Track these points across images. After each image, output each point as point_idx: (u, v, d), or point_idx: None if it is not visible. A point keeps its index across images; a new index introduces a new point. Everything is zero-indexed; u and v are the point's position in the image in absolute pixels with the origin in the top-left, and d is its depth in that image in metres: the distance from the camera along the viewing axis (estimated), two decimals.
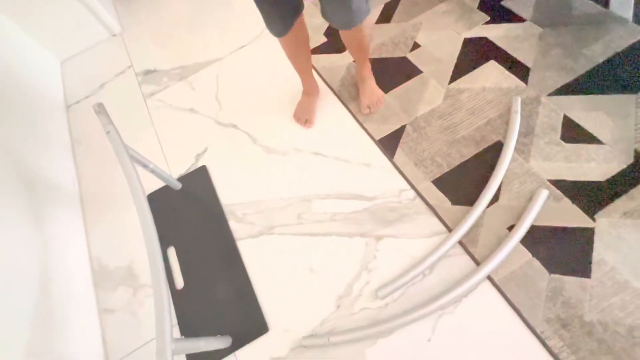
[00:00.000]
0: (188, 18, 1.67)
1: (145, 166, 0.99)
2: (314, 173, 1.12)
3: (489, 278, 0.87)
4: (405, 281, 0.89)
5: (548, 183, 0.95)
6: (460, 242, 0.92)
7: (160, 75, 1.50)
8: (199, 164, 1.22)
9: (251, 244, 1.04)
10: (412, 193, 1.02)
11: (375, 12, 1.41)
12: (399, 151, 1.09)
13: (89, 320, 0.99)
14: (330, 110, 1.22)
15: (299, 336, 0.88)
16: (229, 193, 1.14)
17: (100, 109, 0.90)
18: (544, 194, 0.91)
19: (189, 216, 1.13)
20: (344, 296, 0.91)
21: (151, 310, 0.99)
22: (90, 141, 1.39)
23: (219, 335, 0.87)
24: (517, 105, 1.06)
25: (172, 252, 1.07)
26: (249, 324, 0.92)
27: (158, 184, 1.16)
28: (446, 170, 1.03)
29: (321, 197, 1.07)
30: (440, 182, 1.02)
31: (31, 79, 1.42)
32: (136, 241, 1.11)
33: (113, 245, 1.13)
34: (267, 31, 1.51)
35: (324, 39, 1.41)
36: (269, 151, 1.19)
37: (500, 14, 1.29)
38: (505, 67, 1.17)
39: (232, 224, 1.08)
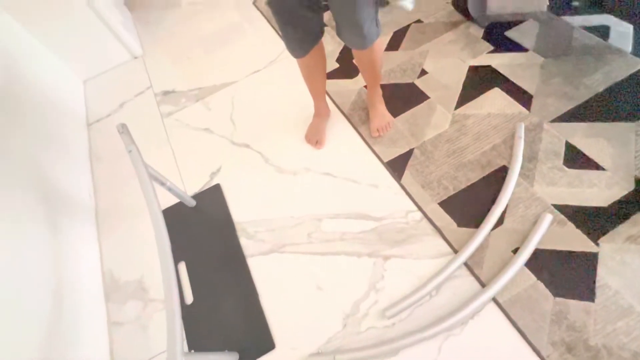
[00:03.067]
0: (206, 42, 1.76)
1: (162, 184, 1.04)
2: (323, 193, 1.16)
3: (494, 300, 0.89)
4: (413, 301, 0.91)
5: (552, 207, 0.98)
6: (466, 264, 0.94)
7: (178, 96, 1.58)
8: (213, 182, 1.27)
9: (261, 261, 1.07)
10: (418, 214, 1.05)
11: (385, 39, 1.48)
12: (406, 173, 1.13)
13: (98, 331, 1.02)
14: (341, 132, 1.27)
15: (305, 354, 0.90)
16: (242, 211, 1.18)
17: (123, 130, 0.96)
18: (548, 218, 0.94)
19: (201, 232, 1.17)
20: (351, 315, 0.93)
21: (160, 325, 1.02)
22: (109, 158, 1.46)
23: (226, 351, 0.90)
24: (521, 131, 1.10)
25: (182, 267, 1.10)
26: (256, 340, 0.94)
27: (172, 200, 1.21)
28: (452, 192, 1.07)
29: (330, 217, 1.10)
30: (447, 205, 1.05)
31: (56, 97, 1.50)
32: (148, 256, 1.15)
33: (125, 259, 1.17)
34: (281, 56, 1.61)
35: (336, 65, 1.48)
36: (281, 171, 1.24)
37: (504, 44, 1.35)
38: (508, 94, 1.22)
39: (244, 241, 1.12)
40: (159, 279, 1.12)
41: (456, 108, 1.23)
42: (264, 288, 1.02)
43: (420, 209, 1.06)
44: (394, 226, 1.05)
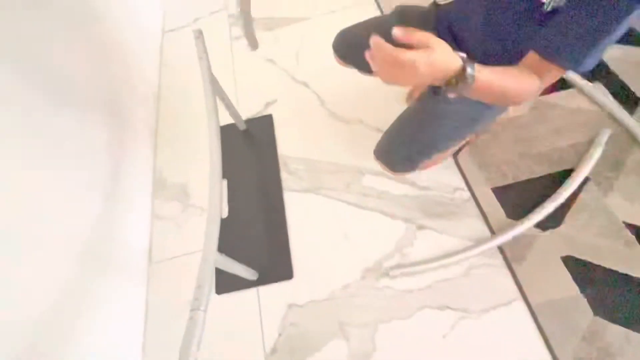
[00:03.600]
0: None
1: (222, 99, 1.06)
2: (372, 149, 1.12)
3: (525, 298, 0.83)
4: (426, 268, 0.89)
5: (622, 225, 0.87)
6: (505, 256, 0.89)
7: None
8: (267, 112, 1.27)
9: (296, 197, 1.08)
10: (467, 194, 0.99)
11: None
12: (464, 149, 1.05)
13: (142, 219, 1.11)
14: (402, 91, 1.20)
15: (319, 291, 0.92)
16: (287, 145, 1.19)
17: (199, 35, 0.97)
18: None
19: (246, 156, 1.20)
20: (371, 270, 0.93)
21: (194, 227, 1.09)
22: (177, 67, 1.50)
23: (245, 265, 0.94)
24: (603, 138, 0.96)
25: (224, 183, 1.15)
26: (277, 266, 0.98)
27: (226, 120, 1.23)
28: (510, 181, 0.98)
29: (373, 173, 1.07)
30: (501, 192, 0.97)
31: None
32: (196, 165, 1.20)
33: (175, 163, 1.23)
34: (358, 2, 1.51)
35: None
36: (334, 116, 1.21)
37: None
38: (611, 92, 1.06)
39: (283, 175, 1.13)
40: (202, 189, 1.19)
41: (543, 94, 1.10)
42: (293, 221, 1.04)
43: (470, 189, 0.99)
44: (438, 199, 1.00)
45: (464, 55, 0.48)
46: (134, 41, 1.38)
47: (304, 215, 1.05)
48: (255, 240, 1.03)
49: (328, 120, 1.20)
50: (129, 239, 1.02)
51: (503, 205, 0.95)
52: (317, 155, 1.14)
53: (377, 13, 1.45)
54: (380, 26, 0.79)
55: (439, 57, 0.46)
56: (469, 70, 0.47)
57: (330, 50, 1.46)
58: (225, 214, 1.09)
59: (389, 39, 0.47)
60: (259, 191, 1.12)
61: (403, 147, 0.82)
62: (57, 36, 0.92)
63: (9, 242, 0.65)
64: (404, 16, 0.85)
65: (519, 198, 0.95)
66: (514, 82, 0.54)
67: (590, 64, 0.52)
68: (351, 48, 0.90)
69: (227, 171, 1.16)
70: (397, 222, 0.99)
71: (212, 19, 1.62)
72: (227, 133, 1.23)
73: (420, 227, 0.97)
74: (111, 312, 0.89)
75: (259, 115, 1.27)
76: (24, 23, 0.80)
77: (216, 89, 0.99)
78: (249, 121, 1.25)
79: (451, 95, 0.50)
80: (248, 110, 1.29)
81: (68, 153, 0.86)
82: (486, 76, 0.50)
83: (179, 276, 1.03)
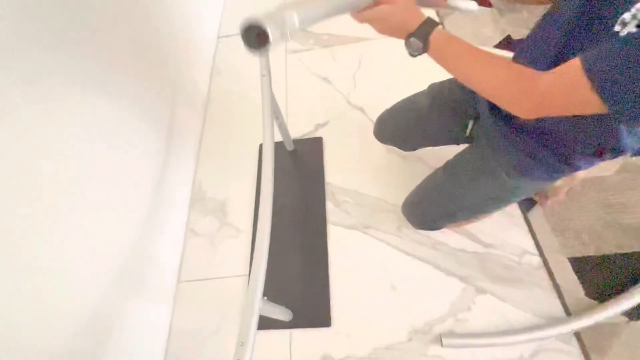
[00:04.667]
0: None
1: (276, 118, 1.00)
2: None
3: None
4: (489, 343, 0.77)
5: None
6: (583, 344, 0.76)
7: (307, 35, 1.51)
8: (317, 134, 1.20)
9: (341, 232, 1.00)
10: (537, 260, 0.87)
11: None
12: (538, 207, 0.94)
13: (177, 230, 1.06)
14: None
15: (360, 347, 0.83)
16: (336, 173, 1.11)
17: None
18: None
19: (292, 179, 1.13)
20: (420, 332, 0.83)
21: (228, 250, 1.03)
22: (228, 74, 1.47)
23: (284, 307, 0.86)
24: None
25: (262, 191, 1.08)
26: (314, 309, 0.89)
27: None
28: (592, 253, 0.85)
29: None
30: (579, 264, 0.85)
31: (197, 3, 1.52)
32: (237, 182, 1.15)
33: (216, 176, 1.18)
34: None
35: None
36: (390, 149, 1.12)
37: None
38: None
39: (329, 206, 1.05)
40: (240, 208, 1.12)
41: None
42: (336, 260, 0.96)
43: (542, 254, 0.87)
44: (502, 260, 0.89)
45: (420, 22, 0.53)
46: (191, 45, 1.36)
47: (348, 255, 0.96)
48: (293, 275, 0.95)
49: (383, 153, 1.12)
50: (162, 254, 0.97)
51: (582, 280, 0.83)
52: (368, 189, 1.06)
53: None
54: (413, 111, 0.86)
55: (395, 15, 0.56)
56: (412, 40, 0.54)
57: (390, 77, 1.38)
58: None
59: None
60: (302, 220, 1.04)
61: (430, 210, 0.82)
62: (116, 36, 0.89)
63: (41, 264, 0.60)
64: (437, 97, 0.83)
65: (602, 275, 0.83)
66: (477, 62, 0.51)
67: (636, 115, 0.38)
68: (390, 136, 0.95)
69: None
70: (452, 280, 0.88)
71: None
72: (274, 152, 1.17)
73: (480, 291, 0.86)
74: (134, 333, 0.83)
75: (308, 136, 1.21)
76: (82, 24, 0.77)
77: (274, 108, 0.93)
78: (298, 142, 1.19)
79: (411, 52, 0.55)
80: (297, 129, 1.23)
81: (116, 159, 0.82)
82: (440, 45, 0.52)
83: (205, 300, 0.96)
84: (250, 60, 1.50)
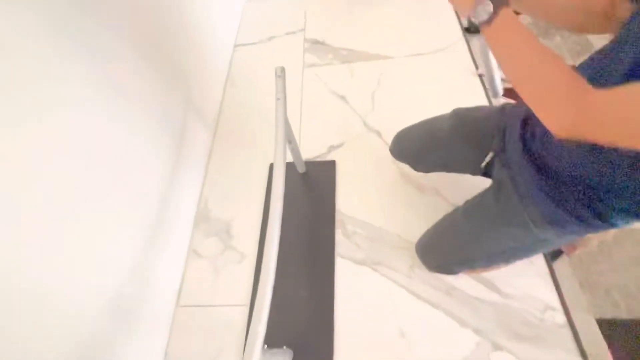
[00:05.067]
0: (377, 4, 1.57)
1: (290, 141, 0.95)
2: None
3: None
4: None
5: None
6: None
7: (326, 50, 1.46)
8: (329, 157, 1.15)
9: (349, 267, 0.95)
10: (561, 318, 0.80)
11: None
12: (564, 258, 0.86)
13: (179, 250, 1.02)
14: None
15: None
16: (348, 201, 1.05)
17: (281, 74, 0.87)
18: None
19: (300, 204, 1.08)
20: None
21: (230, 277, 0.99)
22: (243, 86, 1.43)
23: (284, 347, 0.82)
24: None
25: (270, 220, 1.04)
26: (316, 349, 0.84)
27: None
28: (623, 316, 0.78)
29: None
30: (609, 327, 0.77)
31: (216, 5, 1.48)
32: (246, 203, 1.10)
33: (223, 195, 1.14)
34: (453, 47, 1.36)
35: None
36: (407, 179, 1.06)
37: None
38: None
39: (338, 236, 1.00)
40: (246, 232, 1.08)
41: None
42: (341, 296, 0.90)
43: (566, 312, 0.80)
44: (522, 315, 0.82)
45: None
46: (207, 53, 1.32)
47: (355, 292, 0.91)
48: (296, 308, 0.91)
49: (399, 182, 1.06)
50: (162, 273, 0.93)
51: (612, 347, 0.75)
52: (381, 221, 1.00)
53: (469, 62, 1.29)
54: (433, 132, 0.82)
55: None
56: (486, 2, 0.48)
57: (410, 99, 1.31)
58: None
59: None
60: (308, 248, 1.00)
61: (446, 254, 0.78)
62: (130, 39, 0.85)
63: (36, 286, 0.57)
64: (460, 124, 0.78)
65: (634, 342, 0.75)
66: (534, 52, 0.45)
67: None
68: (405, 154, 0.92)
69: None
70: (467, 331, 0.82)
71: (287, 40, 1.54)
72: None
73: (496, 347, 0.79)
74: (127, 358, 0.80)
75: (321, 158, 1.16)
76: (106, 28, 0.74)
77: (288, 132, 0.89)
78: (309, 164, 1.14)
79: (477, 18, 0.49)
80: (309, 149, 1.18)
81: (119, 168, 0.79)
82: (508, 20, 0.48)
83: (203, 328, 0.92)
84: (265, 72, 1.47)
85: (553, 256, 0.88)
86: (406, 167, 1.07)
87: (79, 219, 0.66)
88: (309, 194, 1.09)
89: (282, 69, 0.87)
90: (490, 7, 0.48)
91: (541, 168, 0.56)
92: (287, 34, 1.56)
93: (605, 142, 0.39)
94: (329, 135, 1.20)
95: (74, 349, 0.64)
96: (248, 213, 1.08)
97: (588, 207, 0.52)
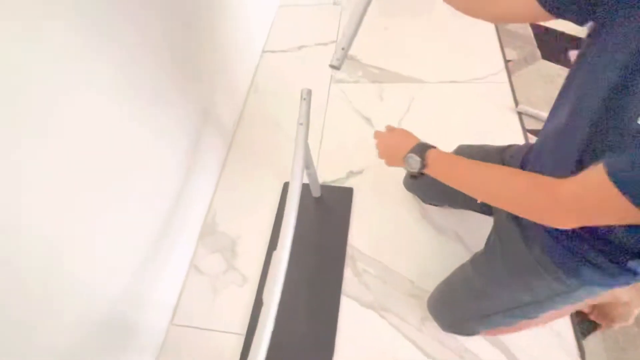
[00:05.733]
0: (420, 24, 1.49)
1: (307, 167, 0.90)
2: None
3: None
4: None
5: None
6: None
7: (356, 66, 1.39)
8: (347, 183, 1.09)
9: (355, 308, 0.88)
10: None
11: None
12: (597, 335, 0.77)
13: (181, 264, 0.98)
14: None
15: None
16: (361, 235, 0.99)
17: (306, 97, 0.81)
18: None
19: (310, 231, 1.02)
20: None
21: (229, 301, 0.94)
22: (265, 94, 1.38)
23: None
24: None
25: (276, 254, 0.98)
26: None
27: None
28: None
29: None
30: None
31: (249, 7, 1.43)
32: (254, 220, 1.06)
33: (232, 208, 1.10)
34: (492, 78, 1.27)
35: None
36: (428, 219, 0.99)
37: None
38: None
39: (347, 273, 0.93)
40: (251, 250, 1.02)
41: None
42: (344, 341, 0.84)
43: None
44: None
45: (417, 142, 0.58)
46: (234, 56, 1.28)
47: (359, 339, 0.84)
48: (293, 344, 0.85)
49: (419, 222, 0.98)
50: (160, 286, 0.89)
51: None
52: (395, 262, 0.93)
53: (508, 96, 1.20)
54: None
55: (394, 139, 0.63)
56: (409, 155, 0.57)
57: (441, 130, 1.22)
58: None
59: None
60: (314, 282, 0.94)
61: (460, 309, 0.73)
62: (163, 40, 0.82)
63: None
64: (462, 154, 0.73)
65: None
66: (490, 174, 0.50)
67: None
68: (415, 185, 0.94)
69: None
70: None
71: (317, 51, 1.48)
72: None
73: None
74: None
75: (339, 183, 1.09)
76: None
77: (307, 158, 0.83)
78: (326, 188, 1.08)
79: (410, 169, 0.58)
80: (327, 172, 1.12)
81: (134, 165, 0.75)
82: (439, 167, 0.55)
83: (195, 353, 0.88)
84: (291, 82, 1.42)
85: (584, 330, 0.79)
86: (429, 207, 1.00)
87: (83, 219, 0.62)
88: (321, 222, 1.03)
89: (309, 92, 0.81)
90: (417, 157, 0.56)
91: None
92: (318, 44, 1.50)
93: (604, 223, 0.40)
94: (349, 160, 1.14)
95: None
96: (256, 232, 1.03)
97: (609, 258, 0.46)
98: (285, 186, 1.10)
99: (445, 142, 1.03)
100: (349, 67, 1.39)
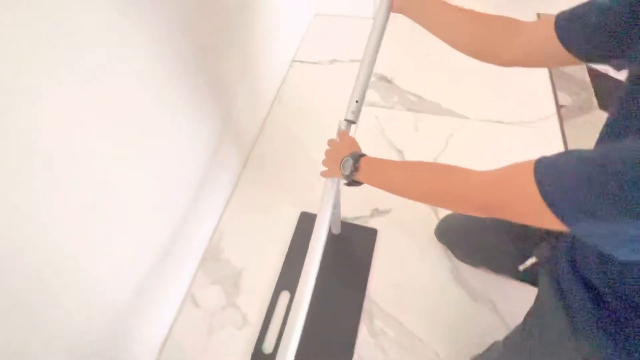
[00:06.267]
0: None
1: (334, 207, 0.78)
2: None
3: None
4: None
5: None
6: None
7: (392, 89, 1.28)
8: (371, 223, 0.97)
9: None
10: None
11: None
12: None
13: (176, 291, 0.88)
14: None
15: None
16: (383, 287, 0.87)
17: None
18: None
19: (326, 274, 0.90)
20: None
21: (226, 343, 0.82)
22: (290, 106, 1.28)
23: None
24: None
25: (284, 297, 0.87)
26: None
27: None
28: None
29: None
30: None
31: (284, 12, 1.34)
32: (263, 250, 0.95)
33: (240, 234, 0.99)
34: (540, 123, 1.16)
35: None
36: (459, 277, 0.87)
37: None
38: None
39: (362, 330, 0.82)
40: (256, 286, 0.88)
41: None
42: None
43: None
44: None
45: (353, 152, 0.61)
46: (261, 62, 1.18)
47: None
48: None
49: (450, 281, 0.87)
50: (152, 313, 0.78)
51: None
52: (418, 325, 0.81)
53: (559, 146, 1.08)
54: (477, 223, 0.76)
55: (338, 145, 0.67)
56: (345, 159, 0.60)
57: (486, 166, 1.10)
58: (269, 349, 0.80)
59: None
60: (323, 335, 0.82)
61: None
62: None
63: None
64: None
65: None
66: (412, 170, 0.54)
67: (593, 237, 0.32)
68: (447, 237, 0.89)
69: (293, 282, 0.88)
70: None
71: (350, 68, 1.36)
72: (312, 227, 0.96)
73: None
74: None
75: (362, 222, 0.98)
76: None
77: (337, 200, 0.72)
78: (347, 225, 0.97)
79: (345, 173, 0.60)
80: (350, 207, 1.00)
81: (140, 176, 0.66)
82: (369, 170, 0.58)
83: None
84: (319, 97, 1.31)
85: None
86: (462, 265, 0.89)
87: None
88: (338, 265, 0.92)
89: (349, 124, 0.71)
90: (351, 160, 0.58)
91: (597, 298, 0.44)
92: (352, 60, 1.40)
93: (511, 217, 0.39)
94: (376, 196, 0.99)
95: None
96: (264, 266, 0.92)
97: None
98: (303, 217, 0.99)
99: None
100: (384, 91, 1.29)
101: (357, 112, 0.68)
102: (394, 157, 1.10)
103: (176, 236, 0.81)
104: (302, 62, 1.42)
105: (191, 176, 0.84)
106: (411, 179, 0.52)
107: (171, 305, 0.87)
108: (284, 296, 0.87)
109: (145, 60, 0.61)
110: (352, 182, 0.61)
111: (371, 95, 1.27)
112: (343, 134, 0.68)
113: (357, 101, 0.67)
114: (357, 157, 0.58)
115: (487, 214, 0.42)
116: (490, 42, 0.54)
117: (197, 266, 0.93)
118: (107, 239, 0.60)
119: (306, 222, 0.97)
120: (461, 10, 0.57)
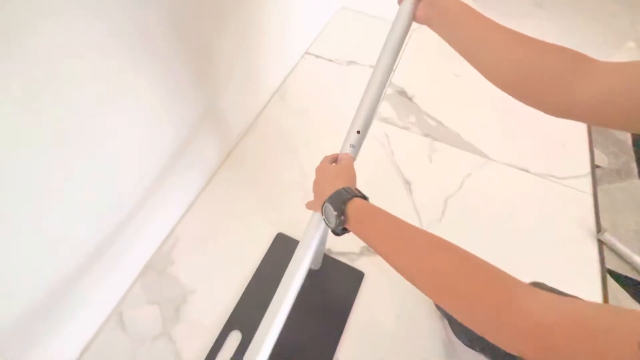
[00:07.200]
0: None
1: (320, 242, 0.61)
2: None
3: None
4: None
5: None
6: None
7: (410, 108, 1.12)
8: (358, 264, 0.80)
9: None
10: None
11: None
12: None
13: (103, 304, 0.69)
14: None
15: None
16: (358, 349, 0.70)
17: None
18: None
19: (299, 312, 0.73)
20: None
21: None
22: (292, 104, 1.10)
23: None
24: None
25: (234, 337, 0.69)
26: None
27: (296, 233, 0.79)
28: None
29: None
30: None
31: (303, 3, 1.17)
32: (221, 274, 0.76)
33: (199, 248, 0.80)
34: (571, 182, 1.01)
35: None
36: (452, 351, 0.70)
37: None
38: None
39: None
40: (203, 322, 0.65)
41: None
42: None
43: None
44: None
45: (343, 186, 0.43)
46: (270, 49, 1.00)
47: None
48: None
49: (440, 354, 0.70)
50: (70, 326, 0.60)
51: None
52: None
53: (589, 214, 0.93)
54: None
55: (326, 173, 0.49)
56: (325, 204, 0.43)
57: (492, 227, 0.94)
58: None
59: None
60: None
61: None
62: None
63: None
64: None
65: None
66: (429, 247, 0.36)
67: None
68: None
69: (244, 319, 0.71)
70: None
71: (369, 74, 1.21)
72: (284, 254, 0.78)
73: None
74: None
75: (348, 260, 0.81)
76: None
77: (324, 238, 0.55)
78: (330, 261, 0.79)
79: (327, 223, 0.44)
80: (335, 240, 0.83)
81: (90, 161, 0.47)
82: (366, 216, 0.40)
83: None
84: (324, 98, 1.14)
85: None
86: (459, 342, 0.72)
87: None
88: (311, 308, 0.74)
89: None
90: (332, 209, 0.41)
91: None
92: (372, 66, 1.23)
93: None
94: None
95: None
96: (218, 292, 0.74)
97: None
98: (279, 238, 0.81)
99: (491, 244, 0.74)
100: (400, 107, 1.12)
101: (358, 147, 0.52)
102: (400, 188, 0.94)
103: (116, 234, 0.63)
104: (316, 56, 1.24)
105: (149, 160, 0.66)
106: (421, 262, 0.35)
107: (91, 320, 0.68)
108: (234, 337, 0.69)
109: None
110: (340, 232, 0.43)
111: (385, 109, 1.11)
112: (334, 158, 0.53)
113: (358, 132, 0.51)
114: (344, 201, 0.41)
115: (516, 351, 0.28)
116: (542, 82, 0.36)
117: (135, 276, 0.75)
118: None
119: (281, 247, 0.79)
120: (507, 30, 0.40)
